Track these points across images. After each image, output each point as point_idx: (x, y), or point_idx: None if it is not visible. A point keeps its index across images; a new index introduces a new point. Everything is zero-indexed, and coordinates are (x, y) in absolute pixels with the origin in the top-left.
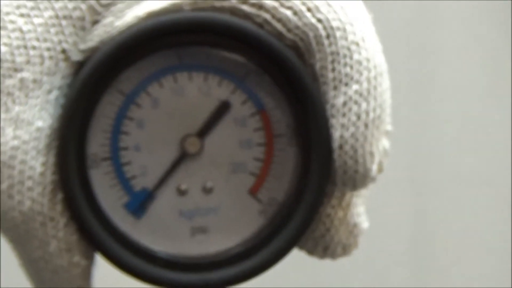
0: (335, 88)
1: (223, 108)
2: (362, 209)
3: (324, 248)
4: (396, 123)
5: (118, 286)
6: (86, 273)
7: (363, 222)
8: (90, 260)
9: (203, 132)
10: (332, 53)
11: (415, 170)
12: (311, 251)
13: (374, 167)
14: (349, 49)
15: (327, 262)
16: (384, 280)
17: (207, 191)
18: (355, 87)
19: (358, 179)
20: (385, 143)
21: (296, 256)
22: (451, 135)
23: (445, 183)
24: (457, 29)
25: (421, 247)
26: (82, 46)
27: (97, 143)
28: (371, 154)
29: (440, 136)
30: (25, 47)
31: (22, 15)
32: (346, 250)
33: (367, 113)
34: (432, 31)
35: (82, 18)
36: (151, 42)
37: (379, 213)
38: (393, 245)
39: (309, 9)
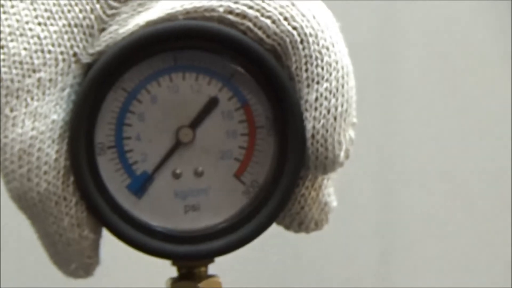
0: (308, 86)
1: (212, 103)
2: (331, 190)
3: (299, 223)
4: (363, 117)
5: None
6: (95, 246)
7: (333, 201)
8: (98, 234)
9: (195, 123)
10: (305, 56)
11: (382, 160)
12: (287, 226)
13: (342, 154)
14: (320, 52)
15: (302, 236)
16: (352, 257)
17: (198, 174)
18: (325, 85)
19: (328, 164)
20: (351, 133)
21: (274, 231)
22: (416, 124)
23: (410, 171)
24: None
25: (388, 228)
26: (91, 50)
27: (103, 134)
28: (339, 142)
29: (406, 127)
30: (42, 51)
31: (39, 24)
32: (318, 225)
33: (336, 108)
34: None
35: (91, 26)
36: (150, 46)
37: (348, 196)
38: (361, 226)
39: (285, 18)
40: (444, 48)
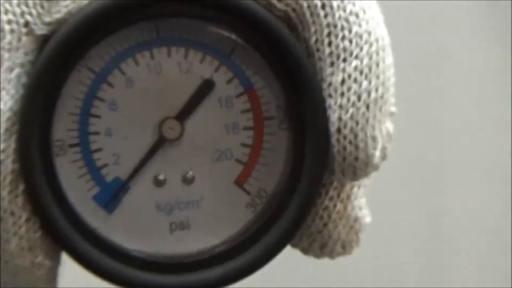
0: (332, 64)
1: (205, 88)
2: (363, 201)
3: (321, 245)
4: (404, 105)
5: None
6: (51, 275)
7: (365, 216)
8: (55, 260)
9: (183, 114)
10: (328, 25)
11: (427, 160)
12: (306, 250)
13: (377, 153)
14: (347, 20)
15: (325, 263)
16: (391, 284)
17: (188, 181)
18: (354, 63)
19: (359, 167)
20: (389, 126)
21: (289, 256)
22: (466, 126)
23: (460, 176)
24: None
25: (433, 247)
26: (48, 19)
27: (63, 128)
28: (374, 138)
29: (455, 124)
30: None
31: None
32: (346, 248)
33: (369, 93)
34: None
35: None
36: (125, 12)
37: (386, 208)
38: (403, 245)
39: None
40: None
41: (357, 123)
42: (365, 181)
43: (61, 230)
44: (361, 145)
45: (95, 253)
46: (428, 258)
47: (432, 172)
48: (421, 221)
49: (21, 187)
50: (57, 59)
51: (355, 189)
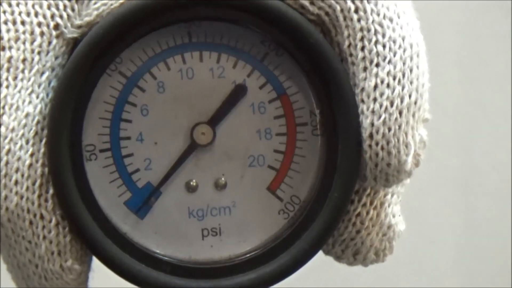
0: (365, 69)
1: (238, 93)
2: (397, 208)
3: (354, 253)
4: (442, 114)
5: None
6: (81, 280)
7: (399, 223)
8: (85, 265)
9: (215, 120)
10: (361, 30)
11: (465, 169)
12: (339, 256)
13: (410, 160)
14: (381, 25)
15: (358, 269)
16: (432, 281)
17: (220, 187)
18: (387, 68)
19: (391, 173)
20: (422, 132)
21: (322, 262)
22: (505, 130)
23: (499, 184)
24: None
25: (471, 256)
26: (78, 22)
27: (94, 132)
28: (406, 144)
29: (494, 131)
30: (14, 21)
31: None
32: (379, 255)
33: (402, 98)
34: None
35: None
36: (157, 15)
37: (423, 216)
38: (440, 253)
39: None
40: None
41: (389, 129)
42: (399, 189)
43: (91, 235)
44: (394, 151)
45: (126, 258)
46: (464, 263)
47: (468, 176)
48: (457, 228)
49: (51, 191)
50: (87, 62)
51: (389, 196)
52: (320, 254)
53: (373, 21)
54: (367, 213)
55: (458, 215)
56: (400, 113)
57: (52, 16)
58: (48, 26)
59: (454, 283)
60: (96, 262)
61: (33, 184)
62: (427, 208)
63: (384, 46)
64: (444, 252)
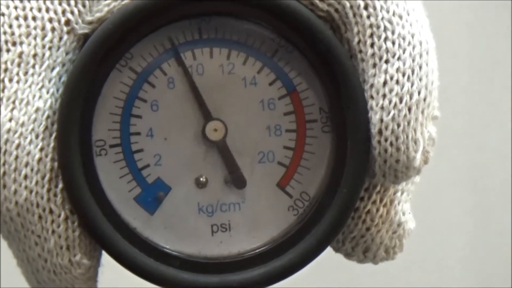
0: (374, 65)
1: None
2: (407, 206)
3: (364, 250)
4: (452, 113)
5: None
6: (90, 274)
7: (409, 221)
8: (94, 259)
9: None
10: (371, 26)
11: (475, 167)
12: (349, 254)
13: (418, 156)
14: (390, 22)
15: (367, 267)
16: (443, 281)
17: (229, 183)
18: (397, 64)
19: (400, 169)
20: (431, 130)
21: (333, 261)
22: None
23: (509, 183)
24: None
25: (481, 255)
26: (89, 17)
27: (104, 128)
28: (415, 141)
29: (504, 129)
30: (25, 17)
31: None
32: (389, 253)
33: (411, 95)
34: None
35: None
36: (167, 10)
37: (433, 215)
38: (449, 252)
39: None
40: None
41: (398, 125)
42: (409, 186)
43: (101, 229)
44: (403, 147)
45: (135, 252)
46: (473, 262)
47: (479, 173)
48: (467, 225)
49: (60, 185)
50: (97, 57)
51: (399, 193)
52: (330, 252)
53: (382, 18)
54: (377, 210)
55: (468, 214)
56: (409, 109)
57: (63, 12)
58: (59, 21)
59: (464, 282)
60: (105, 257)
61: (43, 178)
62: (437, 207)
63: (393, 43)
64: (454, 251)
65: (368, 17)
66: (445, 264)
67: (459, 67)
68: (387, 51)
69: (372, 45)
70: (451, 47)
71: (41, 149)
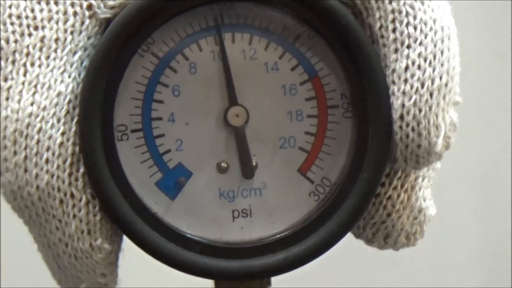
0: (396, 50)
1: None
2: (428, 192)
3: (385, 236)
4: (461, 111)
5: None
6: (111, 259)
7: (430, 207)
8: (115, 244)
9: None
10: (393, 11)
11: (484, 165)
12: (370, 240)
13: (440, 142)
14: (412, 7)
15: (375, 262)
16: (451, 277)
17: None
18: (418, 49)
19: (421, 154)
20: (453, 115)
21: (340, 256)
22: None
23: None
24: None
25: (490, 253)
26: (111, 2)
27: (125, 112)
28: (437, 126)
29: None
30: (47, 1)
31: None
32: (410, 239)
33: (432, 80)
34: None
35: None
36: None
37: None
38: (458, 250)
39: None
40: None
41: (420, 110)
42: (430, 172)
43: (122, 213)
44: (424, 132)
45: (156, 237)
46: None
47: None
48: (480, 222)
49: (81, 169)
50: (118, 42)
51: (420, 180)
52: (336, 249)
53: (404, 3)
54: (398, 196)
55: (477, 212)
56: (431, 94)
57: None
58: (81, 6)
59: (473, 279)
60: (126, 242)
61: (64, 162)
62: (446, 204)
63: (415, 28)
64: (463, 249)
65: (390, 2)
66: (454, 261)
67: (467, 65)
68: (409, 36)
69: (394, 30)
70: (460, 45)
71: (63, 133)
